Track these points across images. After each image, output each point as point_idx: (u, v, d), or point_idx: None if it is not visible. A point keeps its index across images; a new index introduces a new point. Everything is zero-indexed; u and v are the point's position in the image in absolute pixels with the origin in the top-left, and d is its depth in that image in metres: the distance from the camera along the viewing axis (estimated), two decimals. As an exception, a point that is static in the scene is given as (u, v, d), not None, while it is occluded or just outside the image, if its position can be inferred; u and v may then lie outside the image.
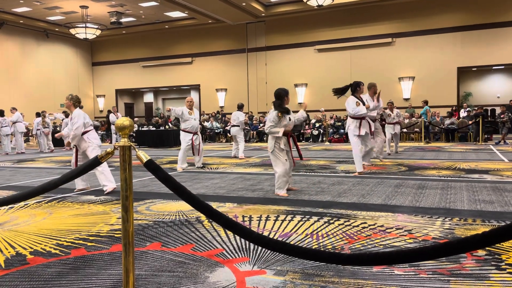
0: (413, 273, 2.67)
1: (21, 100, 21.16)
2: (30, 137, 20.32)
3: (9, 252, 3.27)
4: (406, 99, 19.04)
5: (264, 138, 18.74)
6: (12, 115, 15.04)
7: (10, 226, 4.10)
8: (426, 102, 16.23)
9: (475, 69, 19.34)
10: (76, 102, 6.14)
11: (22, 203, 5.20)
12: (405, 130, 16.59)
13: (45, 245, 3.45)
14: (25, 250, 3.32)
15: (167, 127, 18.66)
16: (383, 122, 11.94)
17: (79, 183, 6.13)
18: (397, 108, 11.66)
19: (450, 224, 3.83)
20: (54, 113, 17.02)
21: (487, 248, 3.01)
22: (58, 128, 17.62)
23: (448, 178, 6.59)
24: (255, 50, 21.90)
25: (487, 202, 4.73)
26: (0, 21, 20.48)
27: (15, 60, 21.80)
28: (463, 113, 17.32)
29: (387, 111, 11.06)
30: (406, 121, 16.59)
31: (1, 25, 20.61)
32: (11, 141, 15.27)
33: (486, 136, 15.69)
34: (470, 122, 15.68)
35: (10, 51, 21.60)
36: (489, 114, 18.62)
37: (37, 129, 15.24)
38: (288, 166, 5.47)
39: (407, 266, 2.77)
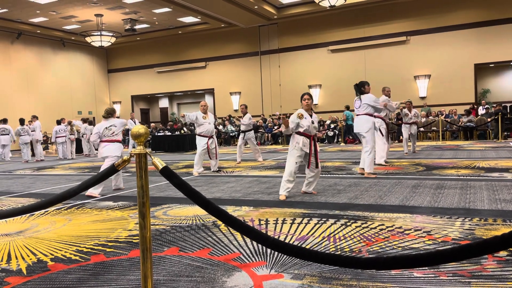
0: (432, 275, 2.63)
1: (39, 108, 21.58)
2: (49, 145, 20.66)
3: (30, 259, 3.33)
4: (422, 98, 18.80)
5: (279, 141, 18.72)
6: (33, 123, 15.36)
7: (31, 233, 4.18)
8: (347, 107, 17.42)
9: (493, 65, 18.97)
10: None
11: (42, 210, 5.29)
12: (422, 129, 16.38)
13: (65, 252, 3.51)
14: (46, 257, 3.38)
15: (182, 131, 18.78)
16: (400, 122, 11.78)
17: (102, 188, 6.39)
18: (414, 107, 11.46)
19: (470, 224, 3.76)
20: (73, 120, 17.26)
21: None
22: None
23: (467, 177, 6.48)
24: (268, 52, 21.91)
25: (508, 201, 4.64)
26: (18, 31, 20.94)
27: (33, 69, 22.27)
28: (481, 111, 17.02)
29: (405, 110, 10.88)
30: (423, 120, 16.39)
31: (19, 35, 21.07)
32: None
33: (506, 133, 15.38)
34: (489, 120, 15.40)
35: (28, 60, 22.08)
36: (508, 111, 18.23)
37: (56, 137, 15.49)
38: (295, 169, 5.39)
39: (426, 268, 2.73)
